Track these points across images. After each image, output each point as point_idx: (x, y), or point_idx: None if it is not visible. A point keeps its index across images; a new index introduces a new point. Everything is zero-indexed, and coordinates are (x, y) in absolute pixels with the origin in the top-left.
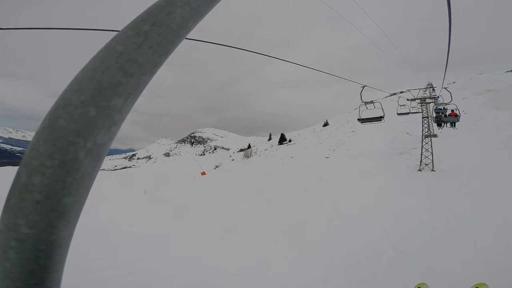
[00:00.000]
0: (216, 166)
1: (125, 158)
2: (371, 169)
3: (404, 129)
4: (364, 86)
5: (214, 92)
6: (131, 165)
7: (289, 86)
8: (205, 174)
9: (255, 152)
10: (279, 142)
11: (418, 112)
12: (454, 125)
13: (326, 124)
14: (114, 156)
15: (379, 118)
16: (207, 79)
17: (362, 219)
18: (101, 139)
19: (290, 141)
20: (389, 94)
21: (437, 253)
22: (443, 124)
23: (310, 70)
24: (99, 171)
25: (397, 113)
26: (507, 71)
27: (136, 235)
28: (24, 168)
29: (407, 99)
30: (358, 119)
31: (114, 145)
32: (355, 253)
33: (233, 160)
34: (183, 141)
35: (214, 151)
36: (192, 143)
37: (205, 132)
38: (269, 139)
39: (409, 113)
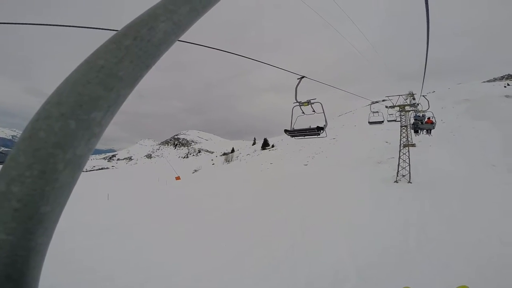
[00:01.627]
0: (195, 170)
1: (104, 158)
2: (346, 180)
3: (384, 137)
4: (302, 77)
5: (200, 94)
6: (110, 166)
7: (276, 90)
8: (179, 178)
9: (237, 156)
10: (262, 147)
11: (394, 121)
12: (430, 132)
13: None
14: (94, 156)
15: (381, 122)
16: (194, 80)
17: (329, 237)
18: (80, 151)
19: (273, 146)
20: (370, 102)
21: (404, 281)
22: (419, 131)
23: (296, 76)
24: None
25: (369, 122)
26: (484, 82)
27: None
28: (3, 177)
29: (386, 107)
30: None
31: None
32: (316, 277)
33: (213, 164)
34: (166, 142)
35: (198, 154)
36: (175, 145)
37: (190, 135)
38: (253, 143)
39: (382, 121)
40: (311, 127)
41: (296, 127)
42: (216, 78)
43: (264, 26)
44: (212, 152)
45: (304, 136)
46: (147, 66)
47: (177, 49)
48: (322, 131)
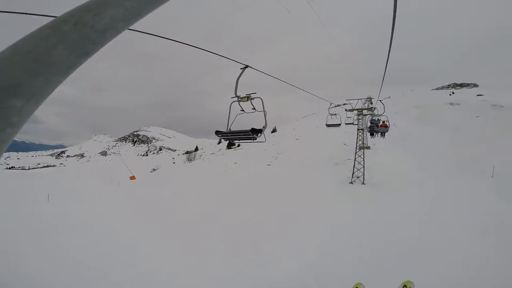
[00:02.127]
0: (154, 170)
1: (52, 155)
2: (307, 181)
3: (342, 139)
4: (246, 67)
5: (167, 89)
6: (58, 163)
7: (249, 90)
8: (134, 178)
9: (200, 155)
10: (227, 146)
11: (352, 124)
12: (384, 135)
13: (274, 131)
14: (39, 153)
15: (338, 125)
16: (160, 75)
17: (292, 239)
18: None
19: (238, 145)
20: (330, 104)
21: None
22: (374, 133)
23: (266, 76)
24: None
25: (326, 124)
26: (433, 89)
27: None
28: None
29: (346, 110)
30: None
31: (39, 139)
32: (280, 281)
33: (174, 163)
34: (124, 139)
35: (159, 152)
36: (134, 142)
37: (151, 131)
38: (219, 142)
39: (340, 124)
40: (246, 129)
41: (241, 127)
42: (187, 74)
43: (239, 25)
44: (175, 150)
45: (239, 139)
46: (86, 53)
47: (144, 41)
48: (259, 134)
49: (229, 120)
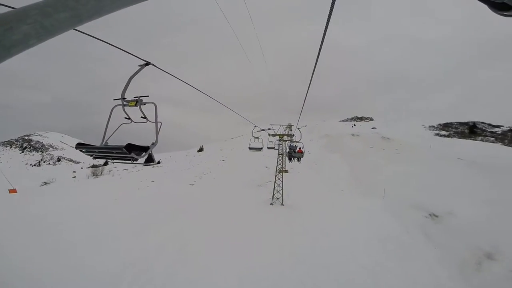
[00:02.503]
0: (45, 183)
1: None
2: (229, 202)
3: (264, 162)
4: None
5: (78, 91)
6: None
7: (174, 103)
8: (15, 191)
9: (110, 171)
10: (145, 162)
11: (273, 148)
12: (300, 160)
13: (201, 150)
14: None
15: (260, 149)
16: (72, 73)
17: (213, 263)
18: None
19: (158, 162)
20: (260, 129)
21: None
22: (292, 158)
23: (198, 92)
24: None
25: (249, 148)
26: (340, 121)
27: None
28: None
29: (269, 134)
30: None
31: None
32: None
33: (74, 177)
34: (9, 143)
35: (57, 163)
36: (23, 149)
37: (49, 138)
38: None
39: (261, 148)
40: (119, 145)
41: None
42: (107, 77)
43: (177, 37)
44: (78, 163)
45: (111, 158)
46: None
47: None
48: (142, 154)
49: (107, 130)
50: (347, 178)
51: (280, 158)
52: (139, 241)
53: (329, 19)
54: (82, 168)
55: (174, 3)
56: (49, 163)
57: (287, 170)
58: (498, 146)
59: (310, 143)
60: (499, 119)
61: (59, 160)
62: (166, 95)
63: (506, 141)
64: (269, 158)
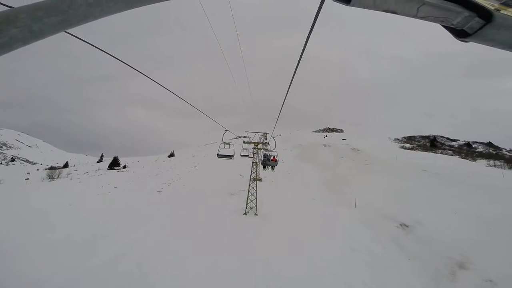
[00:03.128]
0: None
1: None
2: (198, 212)
3: (239, 170)
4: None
5: (39, 88)
6: None
7: (146, 106)
8: None
9: (69, 174)
10: (109, 166)
11: (247, 156)
12: (273, 168)
13: (171, 155)
14: None
15: (231, 156)
16: (33, 68)
17: (176, 276)
18: None
19: (124, 167)
20: (235, 136)
21: None
22: (266, 166)
23: (172, 96)
24: None
25: (217, 155)
26: (312, 131)
27: None
28: None
29: (244, 142)
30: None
31: None
32: None
33: (27, 179)
34: None
35: (10, 163)
36: None
37: (2, 135)
38: (100, 160)
39: (232, 156)
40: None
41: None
42: (72, 74)
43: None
44: (34, 164)
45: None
46: None
47: None
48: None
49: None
50: (319, 187)
51: (254, 166)
52: (91, 253)
53: (310, 34)
54: (38, 170)
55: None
56: (0, 163)
57: (261, 179)
58: (456, 158)
59: (284, 152)
60: (456, 133)
61: (12, 160)
62: (137, 96)
63: (463, 154)
64: (244, 166)
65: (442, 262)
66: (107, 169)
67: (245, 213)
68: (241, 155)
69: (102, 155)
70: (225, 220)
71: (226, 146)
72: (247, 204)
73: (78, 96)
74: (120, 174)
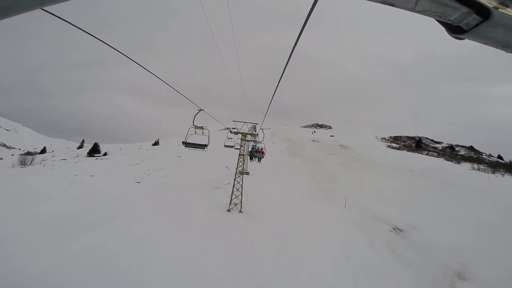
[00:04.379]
0: None
1: None
2: (180, 204)
3: (225, 162)
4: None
5: (17, 71)
6: None
7: (133, 94)
8: None
9: (44, 160)
10: (88, 153)
11: (232, 147)
12: (260, 160)
13: (156, 144)
14: None
15: (203, 146)
16: (12, 51)
17: (149, 274)
18: None
19: (105, 154)
20: (224, 127)
21: None
22: (253, 158)
23: (159, 83)
24: None
25: (183, 142)
26: (301, 126)
27: None
28: None
29: (231, 132)
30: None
31: None
32: None
33: None
34: None
35: None
36: None
37: None
38: (80, 146)
39: (205, 146)
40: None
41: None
42: (53, 58)
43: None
44: (12, 148)
45: (195, 148)
46: None
47: None
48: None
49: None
50: (307, 184)
51: (241, 159)
52: (52, 250)
53: (302, 31)
54: (13, 155)
55: None
56: None
57: (248, 172)
58: (441, 160)
59: (272, 146)
60: (440, 136)
61: None
62: (127, 83)
63: (447, 156)
64: (230, 158)
65: (439, 270)
66: (86, 156)
67: (228, 210)
68: (225, 146)
69: (83, 141)
70: (205, 218)
71: (198, 131)
72: (231, 199)
73: (63, 81)
74: (99, 161)
